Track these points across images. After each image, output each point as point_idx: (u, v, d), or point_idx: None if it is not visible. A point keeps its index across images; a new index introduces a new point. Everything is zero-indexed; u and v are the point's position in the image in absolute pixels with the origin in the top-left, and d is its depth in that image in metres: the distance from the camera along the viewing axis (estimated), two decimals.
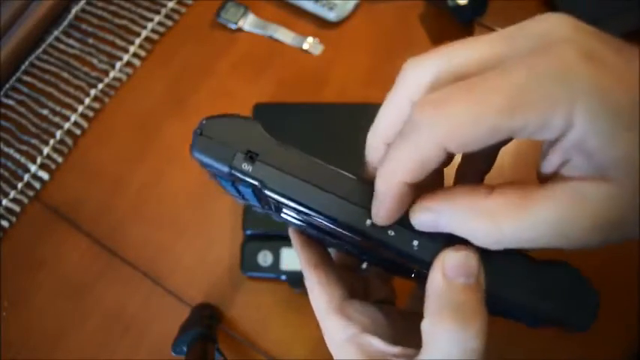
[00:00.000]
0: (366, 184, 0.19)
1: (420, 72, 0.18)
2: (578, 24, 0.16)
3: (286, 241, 0.42)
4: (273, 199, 0.19)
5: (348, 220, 0.19)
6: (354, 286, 0.24)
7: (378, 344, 0.21)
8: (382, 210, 0.18)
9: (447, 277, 0.17)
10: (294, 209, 0.19)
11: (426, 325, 0.18)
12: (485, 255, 0.18)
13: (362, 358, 0.20)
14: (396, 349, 0.20)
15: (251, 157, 0.19)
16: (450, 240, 0.18)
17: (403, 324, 0.23)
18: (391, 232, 0.18)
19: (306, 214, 0.19)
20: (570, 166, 0.16)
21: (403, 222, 0.18)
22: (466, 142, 0.15)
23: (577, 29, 0.15)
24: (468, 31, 0.49)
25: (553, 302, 0.18)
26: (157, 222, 0.46)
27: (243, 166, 0.19)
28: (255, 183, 0.19)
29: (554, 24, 0.16)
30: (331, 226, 0.19)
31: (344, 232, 0.19)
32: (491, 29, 0.49)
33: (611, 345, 0.38)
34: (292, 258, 0.42)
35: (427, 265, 0.18)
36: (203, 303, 0.43)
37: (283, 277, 0.42)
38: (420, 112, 0.16)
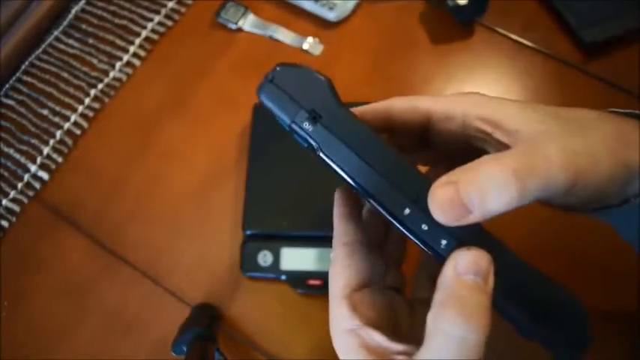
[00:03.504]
0: (418, 172, 0.20)
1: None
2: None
3: (286, 241, 0.42)
4: (323, 160, 0.20)
5: (390, 206, 0.19)
6: (375, 269, 0.25)
7: (379, 339, 0.21)
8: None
9: (457, 271, 0.18)
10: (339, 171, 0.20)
11: (430, 316, 0.18)
12: (505, 266, 0.18)
13: (361, 350, 0.21)
14: (398, 347, 0.20)
15: (314, 117, 0.19)
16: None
17: (408, 317, 0.24)
18: (425, 227, 0.19)
19: (348, 181, 0.20)
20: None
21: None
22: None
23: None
24: (467, 31, 0.49)
25: (549, 332, 0.19)
26: (156, 222, 0.46)
27: (304, 124, 0.19)
28: (312, 143, 0.19)
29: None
30: (372, 202, 0.20)
31: (382, 212, 0.20)
32: (491, 29, 0.49)
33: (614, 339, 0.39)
34: (292, 258, 0.42)
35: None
36: (203, 303, 0.43)
37: (283, 277, 0.42)
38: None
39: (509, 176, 0.18)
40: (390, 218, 0.20)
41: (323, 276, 0.41)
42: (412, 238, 0.20)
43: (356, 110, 0.24)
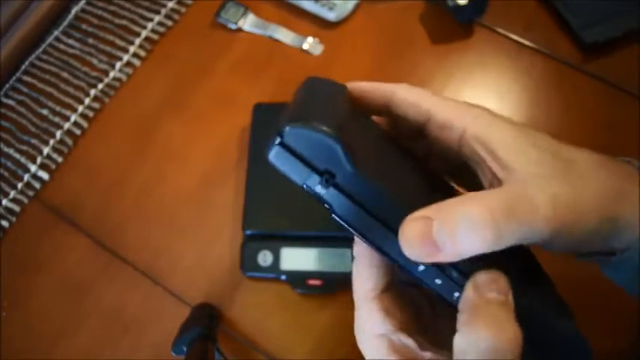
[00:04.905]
0: None
1: None
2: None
3: (286, 241, 0.42)
4: (337, 220, 0.20)
5: (405, 265, 0.20)
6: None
7: (412, 346, 0.21)
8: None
9: (480, 291, 0.18)
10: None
11: (458, 339, 0.18)
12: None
13: (391, 353, 0.20)
14: (427, 355, 0.20)
15: (326, 180, 0.18)
16: None
17: (430, 312, 0.24)
18: (438, 281, 0.20)
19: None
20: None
21: (451, 274, 0.20)
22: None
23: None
24: (467, 31, 0.49)
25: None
26: (157, 222, 0.46)
27: (317, 187, 0.19)
28: (326, 205, 0.19)
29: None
30: (387, 259, 0.20)
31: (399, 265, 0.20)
32: (491, 29, 0.49)
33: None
34: (292, 258, 0.42)
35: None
36: (203, 303, 0.43)
37: (283, 277, 0.42)
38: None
39: (486, 219, 0.18)
40: (406, 273, 0.20)
41: (323, 276, 0.41)
42: (428, 286, 0.20)
43: (355, 85, 0.24)
